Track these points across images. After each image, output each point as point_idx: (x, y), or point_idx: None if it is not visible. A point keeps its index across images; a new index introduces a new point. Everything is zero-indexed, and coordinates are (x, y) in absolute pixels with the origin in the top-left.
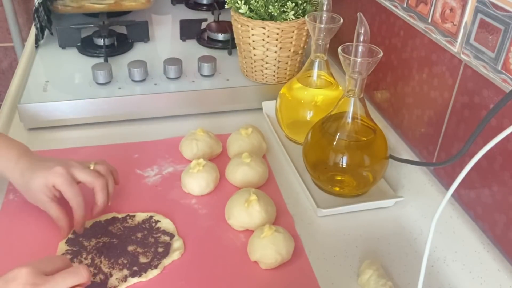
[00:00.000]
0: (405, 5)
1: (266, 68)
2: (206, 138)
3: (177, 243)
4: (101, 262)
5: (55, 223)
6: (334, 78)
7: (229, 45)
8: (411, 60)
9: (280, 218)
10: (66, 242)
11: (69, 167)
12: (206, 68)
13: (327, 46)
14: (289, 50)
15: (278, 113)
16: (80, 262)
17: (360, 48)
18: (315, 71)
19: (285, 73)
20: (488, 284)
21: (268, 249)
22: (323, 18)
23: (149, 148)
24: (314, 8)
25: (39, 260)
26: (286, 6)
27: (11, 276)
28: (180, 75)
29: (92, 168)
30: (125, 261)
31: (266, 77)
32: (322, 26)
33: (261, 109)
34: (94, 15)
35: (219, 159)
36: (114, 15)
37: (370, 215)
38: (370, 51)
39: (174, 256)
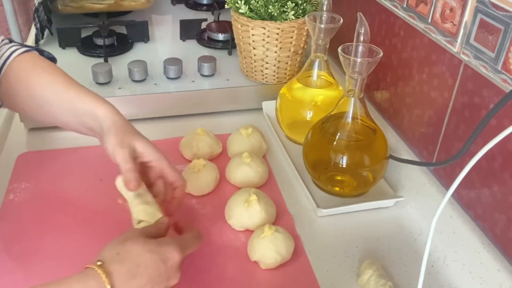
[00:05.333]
0: (405, 5)
1: (266, 68)
2: (206, 138)
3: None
4: None
5: (123, 175)
6: (334, 78)
7: (229, 45)
8: (411, 60)
9: (280, 218)
10: None
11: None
12: (206, 68)
13: (327, 46)
14: (289, 50)
15: (278, 113)
16: None
17: (360, 48)
18: (315, 71)
19: (285, 73)
20: (488, 284)
21: (268, 249)
22: (323, 18)
23: None
24: (314, 8)
25: (185, 238)
26: (286, 6)
27: (168, 257)
28: (180, 75)
29: None
30: None
31: (266, 77)
32: (322, 26)
33: (261, 109)
34: (94, 15)
35: (219, 159)
36: (114, 15)
37: (370, 215)
38: (370, 51)
39: None
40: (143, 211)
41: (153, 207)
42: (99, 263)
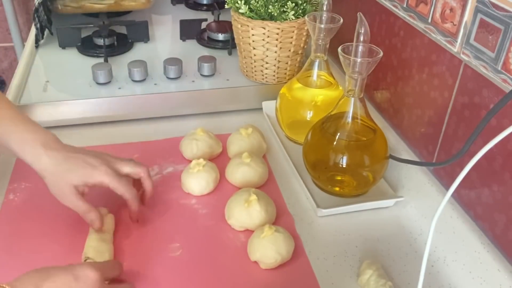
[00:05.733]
0: (405, 5)
1: (266, 68)
2: (206, 138)
3: None
4: None
5: (83, 218)
6: (334, 78)
7: (229, 45)
8: (411, 60)
9: (280, 218)
10: None
11: (111, 163)
12: (206, 68)
13: (327, 46)
14: (289, 50)
15: (278, 113)
16: None
17: (360, 48)
18: (315, 71)
19: (285, 73)
20: (488, 284)
21: (268, 249)
22: (323, 18)
23: (149, 148)
24: (314, 8)
25: (103, 264)
26: (286, 6)
27: (81, 275)
28: (180, 75)
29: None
30: None
31: (266, 77)
32: (322, 26)
33: (261, 109)
34: (94, 15)
35: (219, 159)
36: (114, 15)
37: (370, 215)
38: (370, 51)
39: None
40: (94, 248)
41: (107, 246)
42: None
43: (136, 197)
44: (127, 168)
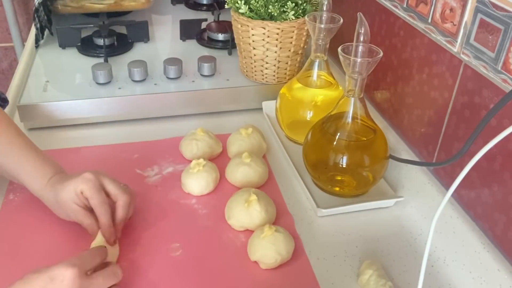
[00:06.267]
0: (405, 5)
1: (266, 68)
2: (206, 138)
3: None
4: None
5: (87, 231)
6: (334, 78)
7: (229, 45)
8: (411, 60)
9: (280, 218)
10: None
11: (99, 174)
12: (206, 68)
13: (327, 46)
14: (289, 50)
15: (278, 113)
16: None
17: (360, 48)
18: (315, 71)
19: (285, 73)
20: (488, 284)
21: (268, 249)
22: (323, 18)
23: (149, 148)
24: (314, 8)
25: (81, 256)
26: (286, 6)
27: (57, 274)
28: (180, 75)
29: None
30: None
31: (266, 77)
32: (322, 26)
33: (261, 109)
34: (94, 15)
35: (219, 159)
36: (114, 15)
37: (370, 215)
38: (370, 51)
39: None
40: (102, 239)
41: (115, 248)
42: None
43: (106, 215)
44: (110, 186)
